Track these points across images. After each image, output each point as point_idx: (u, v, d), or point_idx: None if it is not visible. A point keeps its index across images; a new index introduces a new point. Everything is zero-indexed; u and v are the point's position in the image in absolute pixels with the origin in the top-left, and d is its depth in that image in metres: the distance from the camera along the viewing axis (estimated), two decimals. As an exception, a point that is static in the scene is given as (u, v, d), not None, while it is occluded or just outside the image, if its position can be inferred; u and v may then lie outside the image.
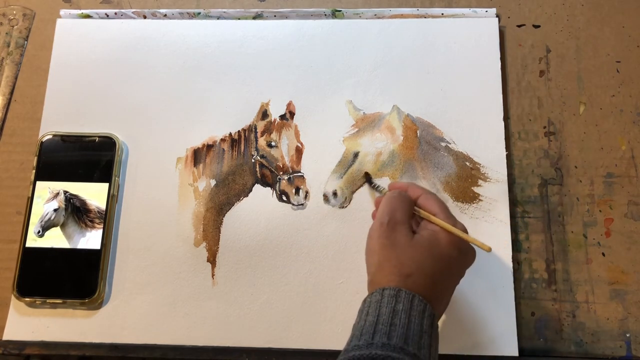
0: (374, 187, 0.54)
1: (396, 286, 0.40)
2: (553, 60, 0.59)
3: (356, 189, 0.55)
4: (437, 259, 0.42)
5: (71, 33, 0.61)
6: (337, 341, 0.51)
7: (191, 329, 0.52)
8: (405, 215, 0.44)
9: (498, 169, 0.55)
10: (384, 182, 0.55)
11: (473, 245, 0.44)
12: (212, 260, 0.54)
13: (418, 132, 0.57)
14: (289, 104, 0.58)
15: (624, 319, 0.51)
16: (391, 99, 0.58)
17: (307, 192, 0.55)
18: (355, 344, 0.38)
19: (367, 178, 0.55)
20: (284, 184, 0.55)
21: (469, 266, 0.45)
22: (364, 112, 0.57)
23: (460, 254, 0.43)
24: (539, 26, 0.61)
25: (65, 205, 0.54)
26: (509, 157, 0.56)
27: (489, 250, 0.43)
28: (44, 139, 0.56)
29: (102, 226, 0.53)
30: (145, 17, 0.61)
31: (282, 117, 0.58)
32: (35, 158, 0.55)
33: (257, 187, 0.56)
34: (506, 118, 0.57)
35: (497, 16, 0.60)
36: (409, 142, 0.56)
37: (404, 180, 0.55)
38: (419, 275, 0.41)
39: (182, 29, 0.60)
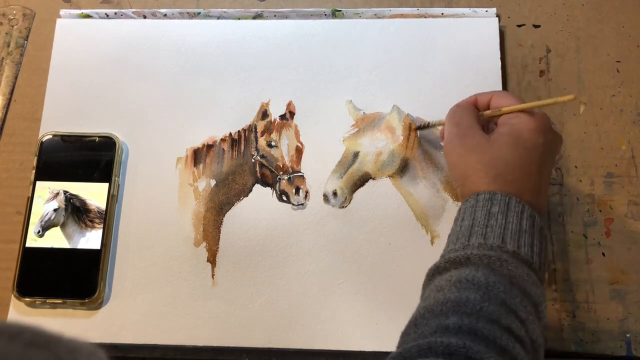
0: (426, 126, 0.54)
1: (489, 189, 0.39)
2: (553, 60, 0.59)
3: (356, 189, 0.55)
4: (524, 151, 0.40)
5: (71, 33, 0.61)
6: (337, 341, 0.51)
7: (191, 329, 0.52)
8: (471, 119, 0.43)
9: (498, 169, 0.55)
10: (385, 182, 0.55)
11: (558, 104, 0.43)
12: (212, 260, 0.54)
13: (418, 132, 0.56)
14: (289, 104, 0.58)
15: (624, 319, 0.51)
16: (391, 98, 0.58)
17: (307, 192, 0.55)
18: (452, 248, 0.38)
19: (419, 127, 0.55)
20: (284, 184, 0.55)
21: (558, 153, 0.44)
22: (364, 112, 0.57)
23: (546, 140, 0.41)
24: (539, 26, 0.61)
25: (65, 205, 0.54)
26: (509, 157, 0.56)
27: (574, 98, 0.41)
28: (44, 139, 0.56)
29: (102, 226, 0.53)
30: (145, 17, 0.61)
31: (282, 117, 0.58)
32: (35, 158, 0.55)
33: (257, 187, 0.56)
34: (506, 118, 0.57)
35: (497, 16, 0.60)
36: (409, 142, 0.56)
37: (405, 179, 0.55)
38: (508, 172, 0.39)
39: (182, 29, 0.60)
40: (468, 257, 0.35)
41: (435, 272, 0.37)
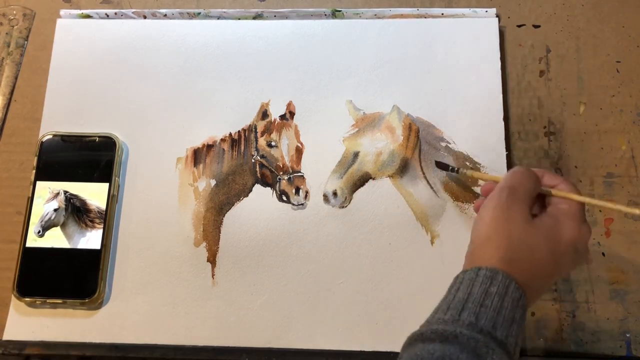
0: (455, 171, 0.50)
1: (495, 267, 0.37)
2: (553, 60, 0.59)
3: (356, 189, 0.55)
4: (551, 252, 0.38)
5: (71, 33, 0.61)
6: (337, 341, 0.51)
7: (191, 329, 0.52)
8: (527, 193, 0.40)
9: (498, 169, 0.55)
10: (385, 182, 0.55)
11: (628, 212, 0.40)
12: (212, 260, 0.54)
13: (418, 132, 0.57)
14: (289, 104, 0.58)
15: (624, 319, 0.51)
16: (391, 98, 0.58)
17: (307, 192, 0.55)
18: (440, 317, 0.36)
19: (440, 166, 0.51)
20: (284, 184, 0.55)
21: (575, 269, 0.42)
22: (364, 112, 0.57)
23: (576, 253, 0.40)
24: (539, 26, 0.61)
25: (66, 205, 0.54)
26: (509, 157, 0.56)
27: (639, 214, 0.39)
28: (44, 139, 0.56)
29: (102, 226, 0.53)
30: (145, 17, 0.61)
31: (282, 117, 0.58)
32: (35, 158, 0.55)
33: (257, 187, 0.56)
34: (506, 118, 0.57)
35: (497, 16, 0.60)
36: (409, 142, 0.56)
37: (405, 179, 0.55)
38: (524, 261, 0.38)
39: (182, 29, 0.60)
40: (456, 336, 0.34)
41: (418, 339, 0.36)
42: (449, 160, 0.55)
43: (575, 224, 0.40)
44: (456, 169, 0.51)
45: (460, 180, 0.55)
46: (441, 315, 0.37)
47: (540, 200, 0.43)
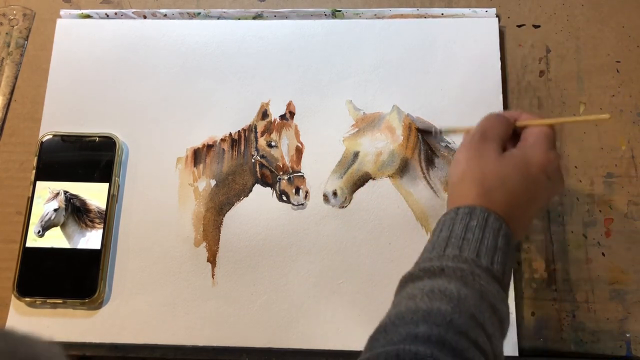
0: (436, 133, 0.51)
1: (472, 203, 0.40)
2: (553, 60, 0.59)
3: (356, 189, 0.55)
4: (523, 179, 0.40)
5: (71, 33, 0.61)
6: (337, 341, 0.51)
7: (191, 329, 0.52)
8: (497, 134, 0.43)
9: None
10: (385, 182, 0.55)
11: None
12: (212, 260, 0.54)
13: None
14: (289, 104, 0.58)
15: (624, 319, 0.51)
16: (391, 98, 0.58)
17: (307, 192, 0.55)
18: (427, 257, 0.38)
19: (423, 132, 0.51)
20: (284, 184, 0.55)
21: (554, 196, 0.44)
22: (364, 112, 0.57)
23: (549, 180, 0.42)
24: (539, 26, 0.61)
25: (66, 205, 0.54)
26: (509, 157, 0.56)
27: (608, 117, 0.42)
28: (44, 139, 0.56)
29: (102, 226, 0.53)
30: (145, 17, 0.61)
31: (282, 117, 0.58)
32: (35, 158, 0.55)
33: (257, 187, 0.56)
34: (506, 118, 0.57)
35: (497, 16, 0.60)
36: (409, 142, 0.56)
37: (405, 179, 0.55)
38: (500, 191, 0.40)
39: (182, 29, 0.60)
40: (442, 269, 0.36)
41: (408, 280, 0.38)
42: (449, 160, 0.55)
43: (541, 149, 0.42)
44: (439, 130, 0.52)
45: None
46: (427, 254, 0.38)
47: (517, 140, 0.44)
